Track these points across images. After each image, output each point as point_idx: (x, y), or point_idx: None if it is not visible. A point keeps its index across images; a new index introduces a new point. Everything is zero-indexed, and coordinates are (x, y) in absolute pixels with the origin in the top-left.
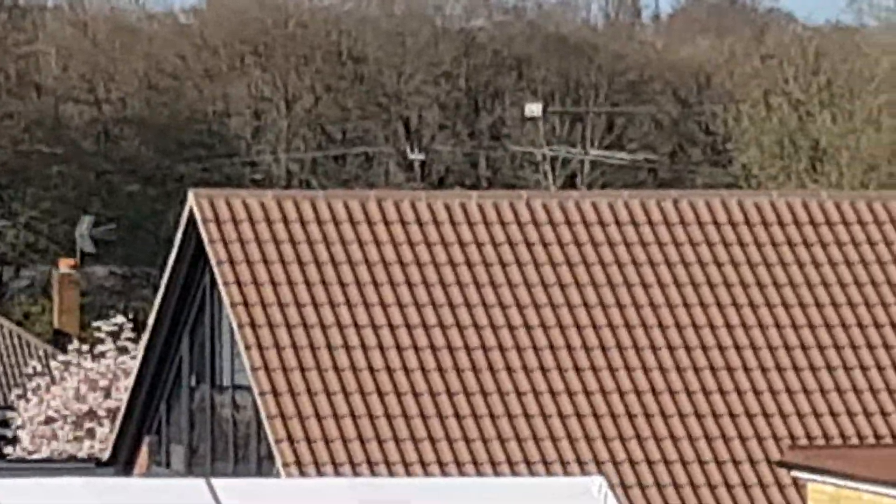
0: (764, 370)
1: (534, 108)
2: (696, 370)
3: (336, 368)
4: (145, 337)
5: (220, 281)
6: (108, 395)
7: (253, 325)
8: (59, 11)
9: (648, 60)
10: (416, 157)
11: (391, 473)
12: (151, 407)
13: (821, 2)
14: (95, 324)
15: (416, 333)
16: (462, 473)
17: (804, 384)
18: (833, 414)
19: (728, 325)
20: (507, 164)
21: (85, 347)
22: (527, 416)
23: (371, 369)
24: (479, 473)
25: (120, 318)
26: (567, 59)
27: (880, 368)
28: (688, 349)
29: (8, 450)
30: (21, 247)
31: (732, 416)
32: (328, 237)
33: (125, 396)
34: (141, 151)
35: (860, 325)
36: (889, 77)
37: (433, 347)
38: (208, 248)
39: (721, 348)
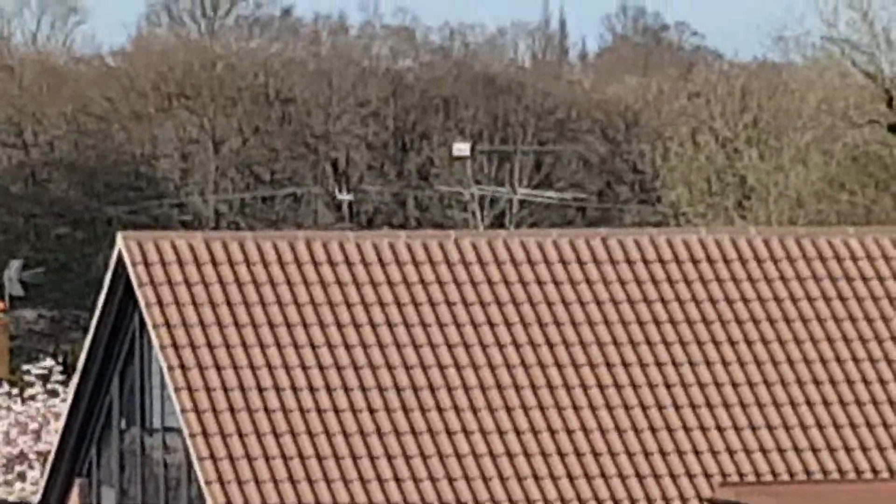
0: (694, 407)
1: (462, 148)
2: (627, 408)
3: (266, 409)
4: (75, 380)
5: (149, 323)
6: (38, 438)
7: (183, 367)
8: None
9: (576, 99)
10: (345, 197)
11: None
12: (82, 449)
13: (747, 39)
14: (25, 367)
15: (345, 374)
16: None
17: (735, 421)
18: (764, 450)
19: (658, 363)
20: (436, 203)
21: (15, 391)
22: (458, 455)
23: (301, 410)
24: None
25: (49, 362)
26: (494, 98)
27: (810, 404)
28: (618, 387)
29: None
30: None
31: (663, 453)
32: (257, 278)
33: (55, 439)
34: (69, 194)
35: (790, 361)
36: (816, 114)
37: (363, 388)
38: (137, 291)
39: (651, 386)
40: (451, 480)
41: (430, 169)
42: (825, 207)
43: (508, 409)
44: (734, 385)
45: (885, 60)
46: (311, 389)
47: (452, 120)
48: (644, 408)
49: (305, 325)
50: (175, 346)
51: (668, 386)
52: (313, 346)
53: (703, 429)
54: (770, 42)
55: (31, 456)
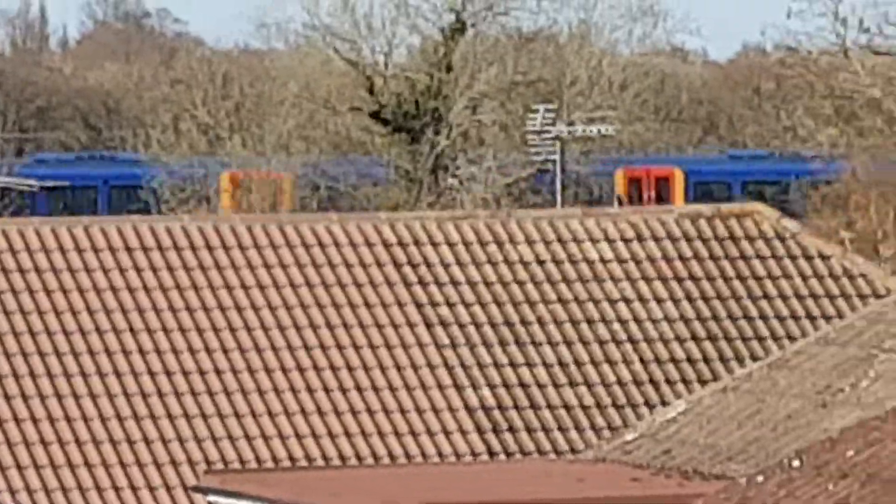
0: (178, 395)
1: None
2: (111, 396)
3: None
4: None
5: None
6: None
7: None
8: None
9: (56, 86)
10: None
11: None
12: None
13: (229, 26)
14: None
15: None
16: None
17: (219, 408)
18: (248, 437)
19: (142, 351)
20: None
21: None
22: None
23: None
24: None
25: None
26: None
27: (294, 391)
28: (101, 375)
29: None
30: None
31: (148, 441)
32: None
33: None
34: None
35: (274, 349)
36: (297, 101)
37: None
38: None
39: (135, 374)
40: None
41: None
42: (307, 195)
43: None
44: (218, 372)
45: (367, 47)
46: None
47: None
48: (128, 396)
49: None
50: None
51: (152, 374)
52: None
53: (188, 416)
54: (252, 29)
55: None
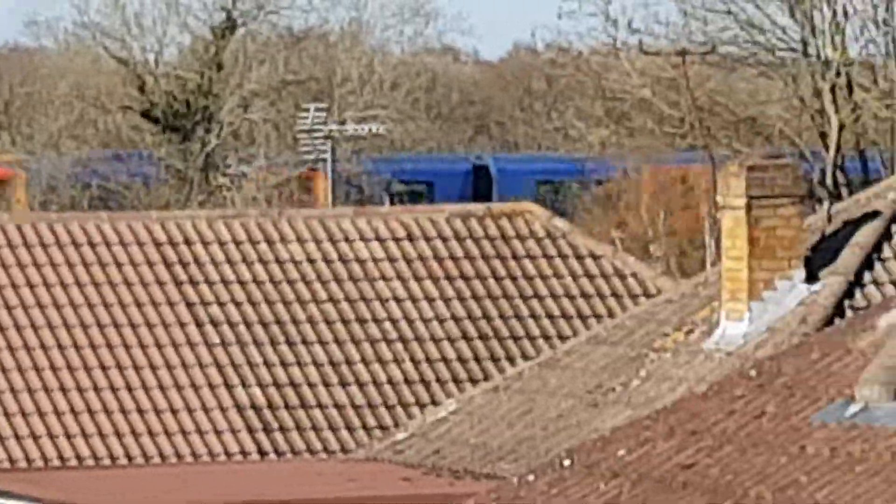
0: None
1: None
2: None
3: None
4: None
5: None
6: None
7: None
8: None
9: None
10: None
11: None
12: None
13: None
14: None
15: None
16: None
17: None
18: (18, 437)
19: None
20: None
21: None
22: None
23: None
24: None
25: None
26: None
27: (65, 390)
28: None
29: None
30: None
31: None
32: None
33: None
34: None
35: (44, 347)
36: (67, 100)
37: None
38: None
39: None
40: None
41: None
42: (77, 194)
43: None
44: None
45: (137, 46)
46: None
47: None
48: None
49: None
50: None
51: None
52: None
53: None
54: (22, 26)
55: None
